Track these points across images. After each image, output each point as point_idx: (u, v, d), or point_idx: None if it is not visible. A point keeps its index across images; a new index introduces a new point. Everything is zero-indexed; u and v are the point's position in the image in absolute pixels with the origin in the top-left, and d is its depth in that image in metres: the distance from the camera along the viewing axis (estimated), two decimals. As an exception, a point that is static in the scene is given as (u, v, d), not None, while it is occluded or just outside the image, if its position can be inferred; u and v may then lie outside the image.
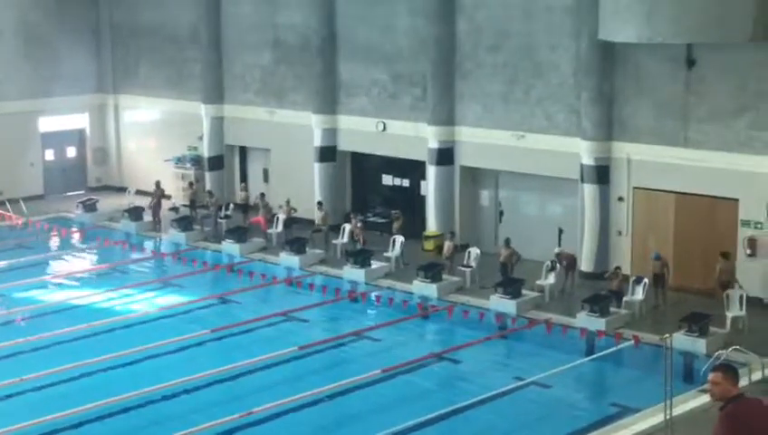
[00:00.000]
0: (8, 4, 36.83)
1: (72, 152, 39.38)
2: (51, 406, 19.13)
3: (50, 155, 38.58)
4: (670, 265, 24.80)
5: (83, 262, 31.16)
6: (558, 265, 25.65)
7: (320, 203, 31.46)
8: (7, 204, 34.72)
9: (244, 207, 33.39)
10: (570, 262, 25.88)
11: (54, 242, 32.80)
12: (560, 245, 26.82)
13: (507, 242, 26.61)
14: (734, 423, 8.70)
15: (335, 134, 32.52)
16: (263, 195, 32.92)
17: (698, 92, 24.85)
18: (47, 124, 38.10)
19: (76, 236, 33.61)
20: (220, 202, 33.57)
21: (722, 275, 24.03)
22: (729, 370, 8.95)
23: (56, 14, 37.94)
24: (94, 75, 39.13)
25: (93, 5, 38.89)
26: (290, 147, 33.71)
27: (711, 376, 8.91)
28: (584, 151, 26.60)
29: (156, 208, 33.39)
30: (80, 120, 39.27)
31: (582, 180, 26.82)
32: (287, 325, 24.64)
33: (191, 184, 35.04)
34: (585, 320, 23.31)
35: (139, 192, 36.16)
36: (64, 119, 38.68)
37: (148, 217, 33.64)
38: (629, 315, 23.81)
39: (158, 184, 33.83)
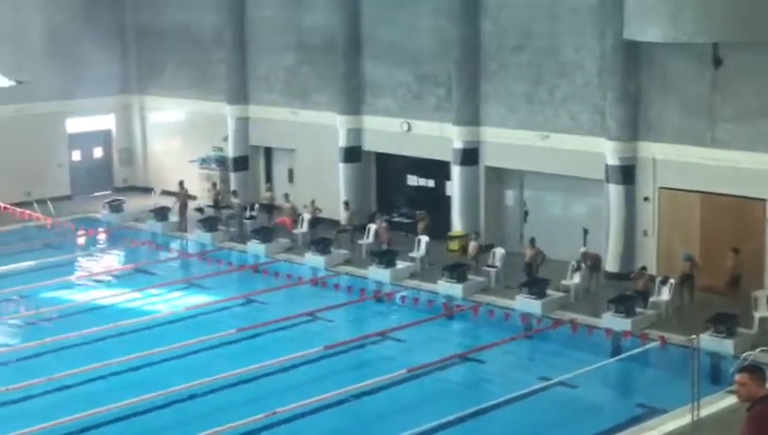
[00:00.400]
0: (35, 7, 37.04)
1: (98, 153, 39.58)
2: (77, 406, 19.24)
3: (77, 156, 38.79)
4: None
5: (110, 262, 31.34)
6: (583, 265, 25.56)
7: (346, 203, 31.48)
8: (35, 204, 34.93)
9: (270, 208, 33.43)
10: (594, 262, 25.79)
11: (81, 242, 33.02)
12: (585, 245, 26.70)
13: (532, 242, 26.54)
14: (761, 424, 8.64)
15: (360, 135, 32.54)
16: (287, 196, 32.98)
17: (724, 92, 24.69)
18: (74, 125, 38.32)
19: (102, 237, 33.79)
20: (245, 203, 33.65)
21: (733, 271, 23.99)
22: (756, 371, 8.90)
23: (82, 16, 38.15)
24: (120, 77, 39.32)
25: (119, 8, 39.09)
26: (315, 147, 33.75)
27: (738, 377, 8.86)
28: (609, 151, 26.50)
29: (182, 209, 33.51)
30: (106, 122, 39.47)
31: (607, 180, 26.72)
32: (312, 325, 24.69)
33: (214, 185, 35.15)
34: (611, 320, 23.22)
35: (164, 193, 36.28)
36: (91, 120, 38.90)
37: (173, 217, 33.76)
38: (655, 316, 23.69)
39: (181, 184, 33.94)
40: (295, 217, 31.99)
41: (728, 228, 25.05)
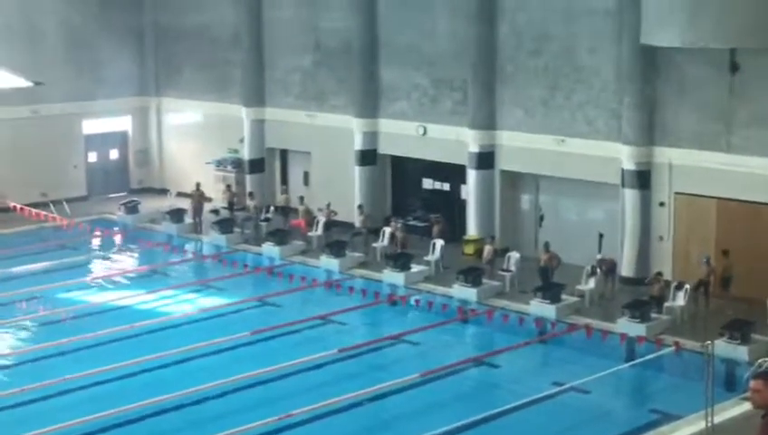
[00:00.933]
0: (52, 8, 37.16)
1: (114, 154, 39.75)
2: (92, 406, 19.33)
3: (93, 157, 38.96)
4: (717, 273, 24.61)
5: (125, 263, 31.41)
6: (598, 269, 25.54)
7: (360, 207, 31.53)
8: (51, 205, 35.07)
9: (285, 211, 33.51)
10: (610, 267, 25.77)
11: (97, 243, 33.13)
12: (600, 250, 26.67)
13: (547, 246, 26.53)
14: (776, 431, 8.63)
15: (376, 138, 32.59)
16: (302, 198, 33.06)
17: (741, 97, 24.64)
18: (90, 126, 38.45)
19: (118, 238, 33.91)
20: (260, 205, 33.73)
21: (724, 273, 24.19)
22: (771, 378, 8.87)
23: (99, 17, 38.29)
24: (137, 78, 39.48)
25: (137, 9, 39.23)
26: (330, 150, 33.82)
27: (752, 383, 8.82)
28: (625, 156, 26.49)
29: (197, 211, 33.61)
30: (122, 123, 39.63)
31: (623, 185, 26.70)
32: (327, 328, 24.72)
33: (229, 187, 35.27)
34: (625, 325, 23.20)
35: (180, 194, 36.44)
36: (107, 121, 39.05)
37: (189, 219, 33.86)
38: (670, 321, 23.66)
39: (197, 186, 34.05)
40: (310, 219, 32.04)
41: (744, 234, 24.99)
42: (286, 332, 24.33)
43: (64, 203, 35.68)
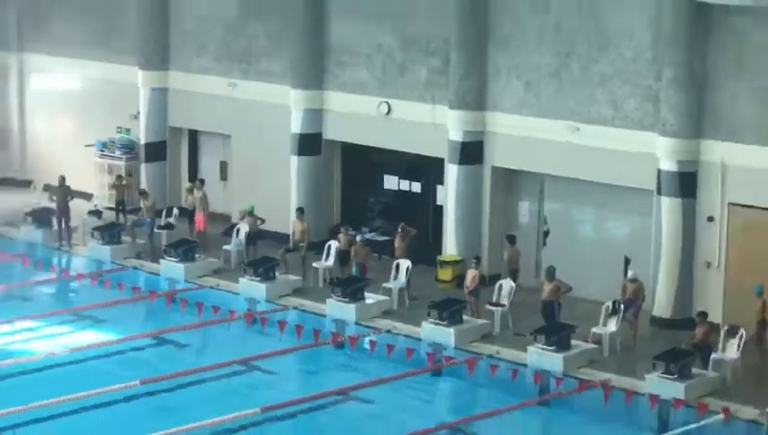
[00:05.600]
0: None
1: (-43, 132, 39.61)
2: None
3: (-74, 134, 38.80)
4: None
5: (-31, 282, 31.27)
6: (622, 306, 25.70)
7: (299, 211, 31.48)
8: None
9: (193, 214, 33.38)
10: (635, 297, 26.02)
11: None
12: (624, 282, 26.84)
13: (551, 273, 26.60)
14: None
15: (321, 117, 32.64)
16: (202, 181, 33.41)
17: (822, 76, 24.98)
18: None
19: (-41, 247, 33.75)
20: (159, 206, 33.63)
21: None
22: None
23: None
24: (-8, 27, 39.34)
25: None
26: (258, 133, 33.81)
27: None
28: (663, 152, 26.68)
29: (62, 213, 33.32)
30: (-31, 88, 39.50)
31: (659, 192, 26.89)
32: (247, 377, 24.73)
33: (119, 178, 35.14)
34: (657, 384, 23.33)
35: (48, 188, 36.25)
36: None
37: (54, 224, 33.68)
38: (719, 380, 23.81)
39: (62, 180, 33.68)
40: (206, 210, 32.40)
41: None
42: (192, 381, 24.28)
43: None
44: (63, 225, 33.40)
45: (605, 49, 27.88)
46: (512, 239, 28.80)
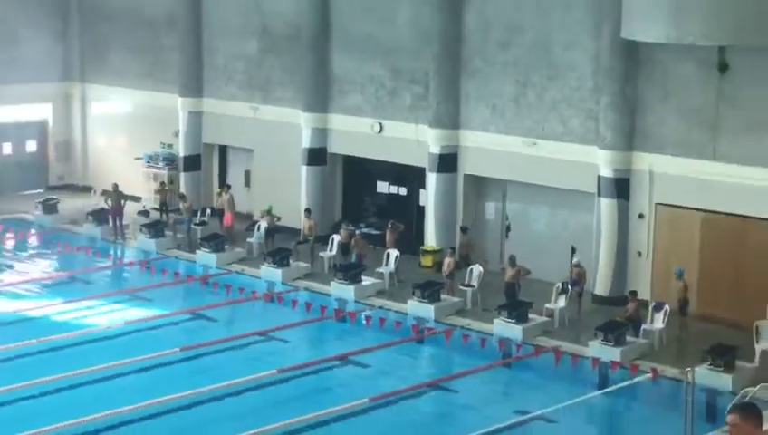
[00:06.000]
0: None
1: (31, 146, 39.36)
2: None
3: (7, 149, 38.54)
4: (693, 291, 24.82)
5: (41, 269, 31.12)
6: (570, 287, 25.69)
7: (308, 211, 31.45)
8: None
9: (223, 213, 33.35)
10: (579, 278, 26.02)
11: (9, 246, 32.76)
12: (572, 265, 26.80)
13: (513, 260, 26.60)
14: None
15: (326, 135, 32.55)
16: (229, 187, 33.31)
17: (731, 101, 24.88)
18: (4, 114, 38.01)
19: (34, 240, 33.61)
20: (195, 207, 33.58)
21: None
22: (749, 411, 8.70)
23: (19, -8, 37.99)
24: (59, 61, 39.12)
25: (60, -17, 38.97)
26: (275, 148, 33.73)
27: (729, 418, 8.71)
28: (602, 162, 26.65)
29: (116, 213, 33.26)
30: (41, 111, 39.26)
31: (599, 194, 26.86)
32: (266, 346, 24.65)
33: (162, 184, 35.08)
34: (598, 349, 23.32)
35: (105, 192, 36.14)
36: (24, 109, 38.62)
37: (110, 222, 33.58)
38: (647, 345, 23.81)
39: (115, 187, 33.47)
40: (233, 210, 32.25)
41: (731, 251, 25.22)
42: (221, 348, 24.27)
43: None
44: (117, 223, 33.28)
45: (555, 79, 27.87)
46: (464, 229, 28.99)
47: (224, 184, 35.29)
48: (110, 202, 33.48)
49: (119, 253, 32.47)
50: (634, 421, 22.04)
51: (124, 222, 33.47)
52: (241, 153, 35.52)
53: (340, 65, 32.15)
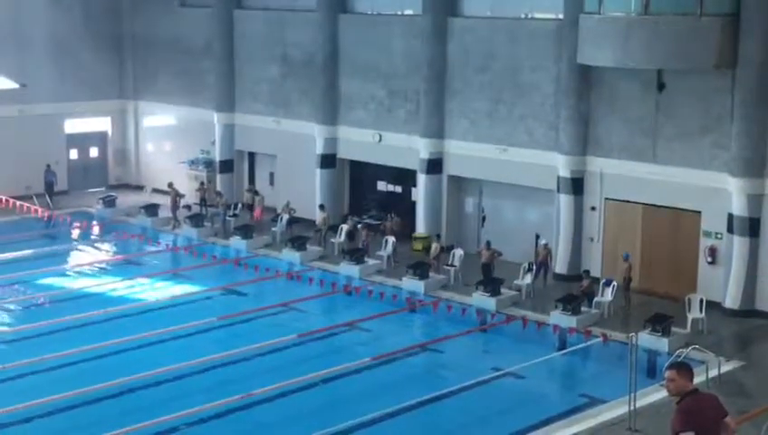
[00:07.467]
0: (40, 17, 36.65)
1: (94, 152, 39.23)
2: (70, 383, 19.12)
3: (74, 154, 38.45)
4: (636, 270, 24.81)
5: (102, 253, 31.07)
6: (534, 266, 25.67)
7: (321, 206, 31.39)
8: (35, 198, 34.63)
9: (251, 208, 33.38)
10: (544, 259, 25.98)
11: (76, 234, 32.74)
12: (537, 249, 26.78)
13: (488, 244, 26.59)
14: (687, 417, 8.66)
15: (335, 143, 32.48)
16: (256, 192, 33.37)
17: (667, 113, 24.86)
18: (72, 126, 37.97)
19: (96, 229, 33.55)
20: (229, 202, 33.55)
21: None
22: (683, 367, 8.87)
23: (83, 26, 37.82)
24: (117, 83, 39.02)
25: (117, 19, 38.75)
26: (294, 154, 33.64)
27: (667, 373, 8.83)
28: (561, 165, 26.61)
29: (174, 206, 33.24)
30: (102, 124, 39.14)
31: (559, 191, 26.82)
32: (287, 315, 24.61)
33: (202, 184, 35.01)
34: (558, 318, 23.32)
35: (155, 190, 36.17)
36: (88, 121, 38.58)
37: (163, 213, 33.50)
38: (599, 315, 23.81)
39: (170, 185, 33.58)
40: (263, 207, 32.34)
41: (666, 237, 25.25)
42: (250, 318, 24.26)
43: (47, 196, 35.18)
44: (175, 215, 33.23)
45: (522, 97, 27.80)
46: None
47: (252, 184, 35.28)
48: (170, 198, 33.31)
49: (165, 239, 32.33)
50: (588, 377, 22.01)
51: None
52: (266, 158, 35.44)
53: (346, 86, 32.06)
